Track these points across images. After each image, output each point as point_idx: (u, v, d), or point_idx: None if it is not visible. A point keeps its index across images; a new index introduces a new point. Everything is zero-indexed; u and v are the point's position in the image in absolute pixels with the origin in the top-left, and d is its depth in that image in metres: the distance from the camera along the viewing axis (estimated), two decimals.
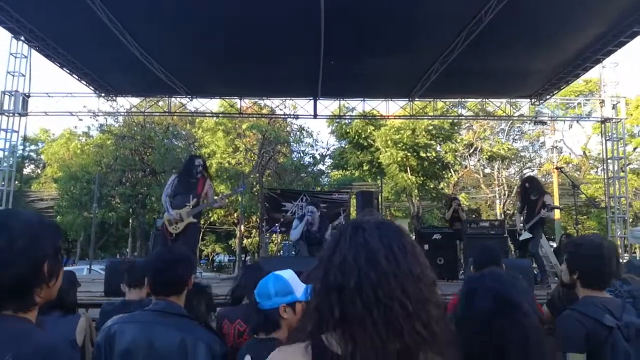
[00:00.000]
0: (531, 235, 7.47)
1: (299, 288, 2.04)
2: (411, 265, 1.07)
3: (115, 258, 21.49)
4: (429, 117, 16.06)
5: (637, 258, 17.71)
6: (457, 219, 9.83)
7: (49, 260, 1.24)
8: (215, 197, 7.07)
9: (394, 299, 1.03)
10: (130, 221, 23.96)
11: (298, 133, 25.74)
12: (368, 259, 1.06)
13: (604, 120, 12.28)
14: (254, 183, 23.28)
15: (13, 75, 10.72)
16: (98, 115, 15.20)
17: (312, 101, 12.56)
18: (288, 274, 2.08)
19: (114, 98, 12.59)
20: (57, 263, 1.27)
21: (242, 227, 16.91)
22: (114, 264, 5.45)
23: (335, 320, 1.06)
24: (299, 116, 14.28)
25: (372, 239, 1.09)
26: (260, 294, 2.05)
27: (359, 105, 13.32)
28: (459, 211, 10.02)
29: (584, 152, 28.40)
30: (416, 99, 12.65)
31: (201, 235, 25.44)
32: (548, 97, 12.12)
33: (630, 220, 12.63)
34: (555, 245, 7.94)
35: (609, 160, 12.20)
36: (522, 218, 7.75)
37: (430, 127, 21.09)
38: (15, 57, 10.47)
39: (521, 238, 7.56)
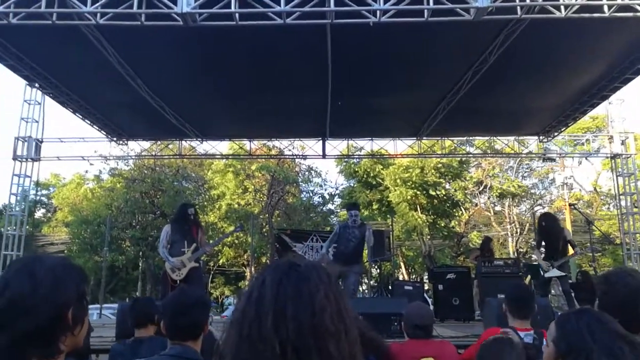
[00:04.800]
0: (563, 274, 7.35)
1: None
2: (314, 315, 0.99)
3: (126, 302, 21.29)
4: (437, 155, 16.07)
5: None
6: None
7: (73, 306, 1.20)
8: (210, 242, 7.31)
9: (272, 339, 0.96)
10: (140, 264, 23.87)
11: (307, 173, 25.86)
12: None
13: (613, 156, 12.22)
14: (264, 224, 23.22)
15: (27, 122, 10.91)
16: (109, 160, 15.40)
17: (320, 141, 12.67)
18: None
19: (126, 142, 12.79)
20: (81, 309, 1.23)
21: (253, 269, 16.77)
22: (125, 307, 5.38)
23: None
24: (308, 156, 14.40)
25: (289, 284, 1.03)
26: None
27: (367, 145, 13.41)
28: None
29: (595, 189, 28.20)
30: (424, 138, 12.73)
31: (210, 277, 25.24)
32: (556, 134, 12.15)
33: None
34: (571, 281, 7.82)
35: (622, 196, 12.08)
36: (542, 255, 7.64)
37: (439, 165, 21.11)
38: (29, 104, 10.69)
39: (548, 275, 7.40)
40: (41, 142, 11.59)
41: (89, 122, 11.21)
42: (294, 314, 0.98)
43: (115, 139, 12.42)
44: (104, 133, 12.06)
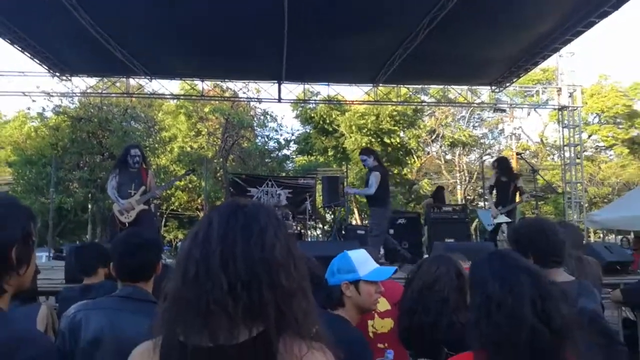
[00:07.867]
0: (510, 220, 7.59)
1: (364, 267, 2.08)
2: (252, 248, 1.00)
3: (75, 244, 20.83)
4: (393, 103, 16.15)
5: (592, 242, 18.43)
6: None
7: (17, 245, 1.15)
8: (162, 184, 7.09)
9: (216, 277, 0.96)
10: (90, 206, 23.28)
11: (262, 117, 25.52)
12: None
13: (560, 108, 12.65)
14: (218, 168, 22.97)
15: None
16: (52, 96, 14.63)
17: (276, 84, 12.41)
18: (356, 254, 2.14)
19: (69, 78, 12.09)
20: (26, 249, 1.19)
21: None
22: (73, 251, 5.26)
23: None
24: (263, 100, 14.13)
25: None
26: (328, 271, 2.14)
27: (323, 90, 13.28)
28: None
29: (541, 139, 29.25)
30: (380, 85, 12.70)
31: (163, 221, 25.00)
32: (508, 84, 12.37)
33: (586, 205, 13.11)
34: None
35: (566, 147, 12.60)
36: (493, 200, 7.87)
37: (394, 113, 21.26)
38: None
39: (497, 221, 7.65)
40: None
41: (28, 55, 10.48)
42: (243, 250, 0.98)
43: (57, 74, 11.71)
44: (46, 67, 11.32)
